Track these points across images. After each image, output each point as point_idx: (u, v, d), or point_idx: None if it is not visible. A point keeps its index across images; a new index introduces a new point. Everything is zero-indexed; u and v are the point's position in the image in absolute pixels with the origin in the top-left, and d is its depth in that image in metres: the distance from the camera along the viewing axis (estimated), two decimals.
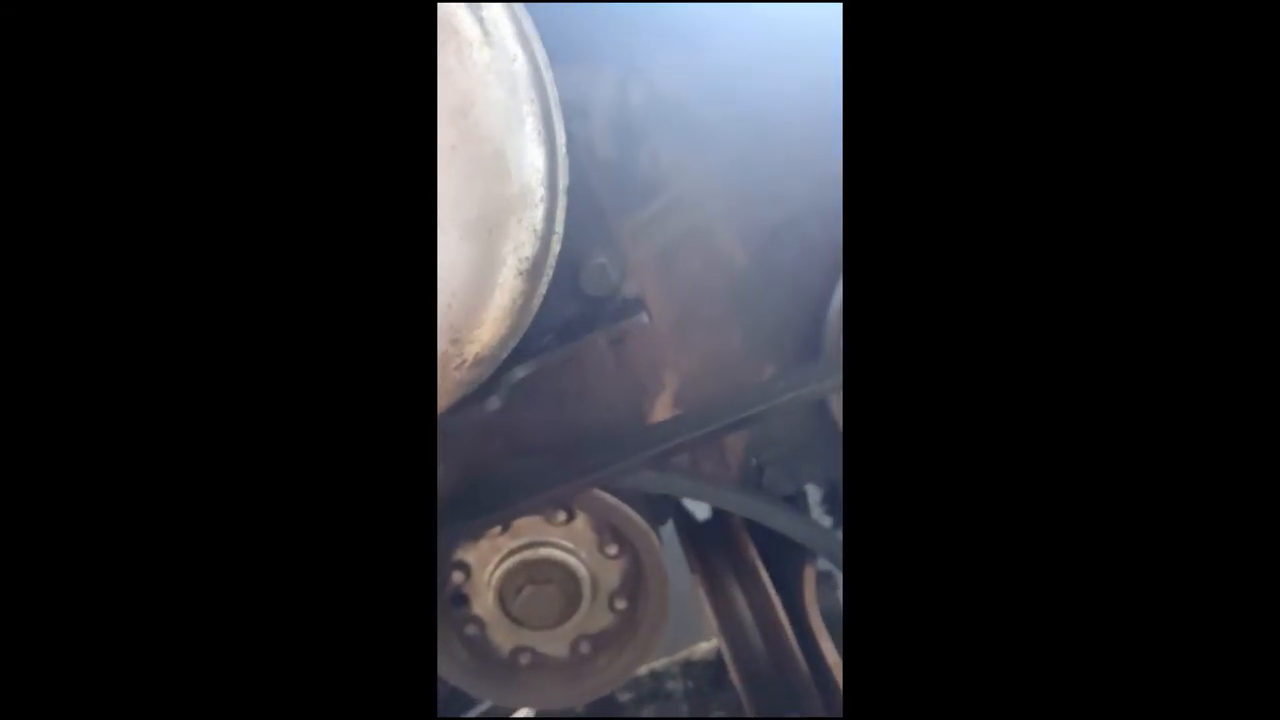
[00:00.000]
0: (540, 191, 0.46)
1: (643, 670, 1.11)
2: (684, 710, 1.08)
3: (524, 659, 0.71)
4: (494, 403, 0.58)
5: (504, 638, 0.70)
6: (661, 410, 0.70)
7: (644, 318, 0.62)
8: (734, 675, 0.77)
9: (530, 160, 0.46)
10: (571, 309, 0.62)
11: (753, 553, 0.76)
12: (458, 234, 0.45)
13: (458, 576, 0.68)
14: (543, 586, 0.67)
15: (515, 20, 0.44)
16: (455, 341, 0.48)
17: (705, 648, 1.11)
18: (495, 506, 0.63)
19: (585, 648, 0.71)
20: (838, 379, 0.60)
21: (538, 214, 0.47)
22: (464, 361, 0.49)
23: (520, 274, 0.48)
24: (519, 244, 0.47)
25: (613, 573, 0.69)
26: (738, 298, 0.67)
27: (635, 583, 0.69)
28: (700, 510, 0.94)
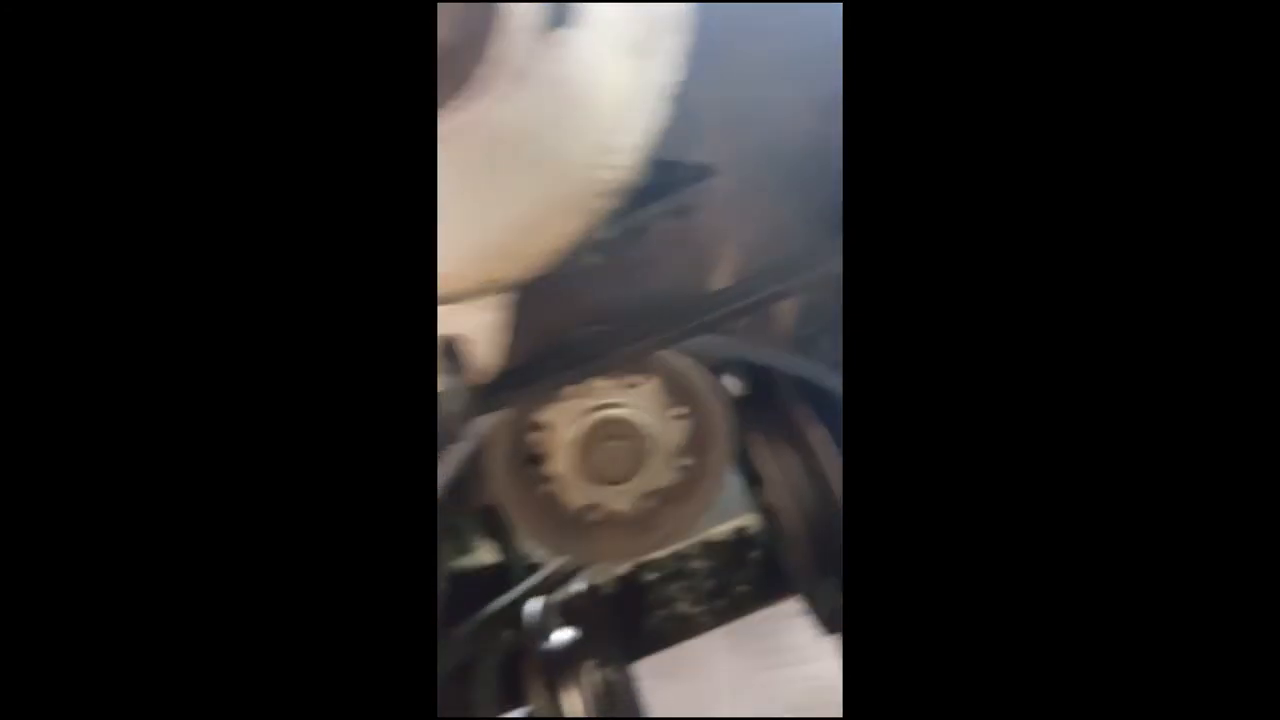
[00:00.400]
0: None
1: (664, 552, 1.18)
2: (709, 586, 1.15)
3: (593, 515, 0.75)
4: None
5: (575, 494, 0.74)
6: (720, 278, 0.73)
7: (711, 185, 0.64)
8: (788, 535, 0.81)
9: None
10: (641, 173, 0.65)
11: (802, 415, 0.80)
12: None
13: (535, 436, 0.72)
14: (616, 442, 0.71)
15: None
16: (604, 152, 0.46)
17: (723, 529, 1.17)
18: (571, 369, 0.67)
19: (650, 503, 0.75)
20: None
21: None
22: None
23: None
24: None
25: (677, 432, 0.73)
26: (797, 169, 0.69)
27: (698, 441, 0.74)
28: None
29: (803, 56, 0.67)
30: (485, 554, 1.08)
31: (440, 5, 0.38)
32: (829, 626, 0.84)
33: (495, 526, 1.01)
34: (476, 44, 0.39)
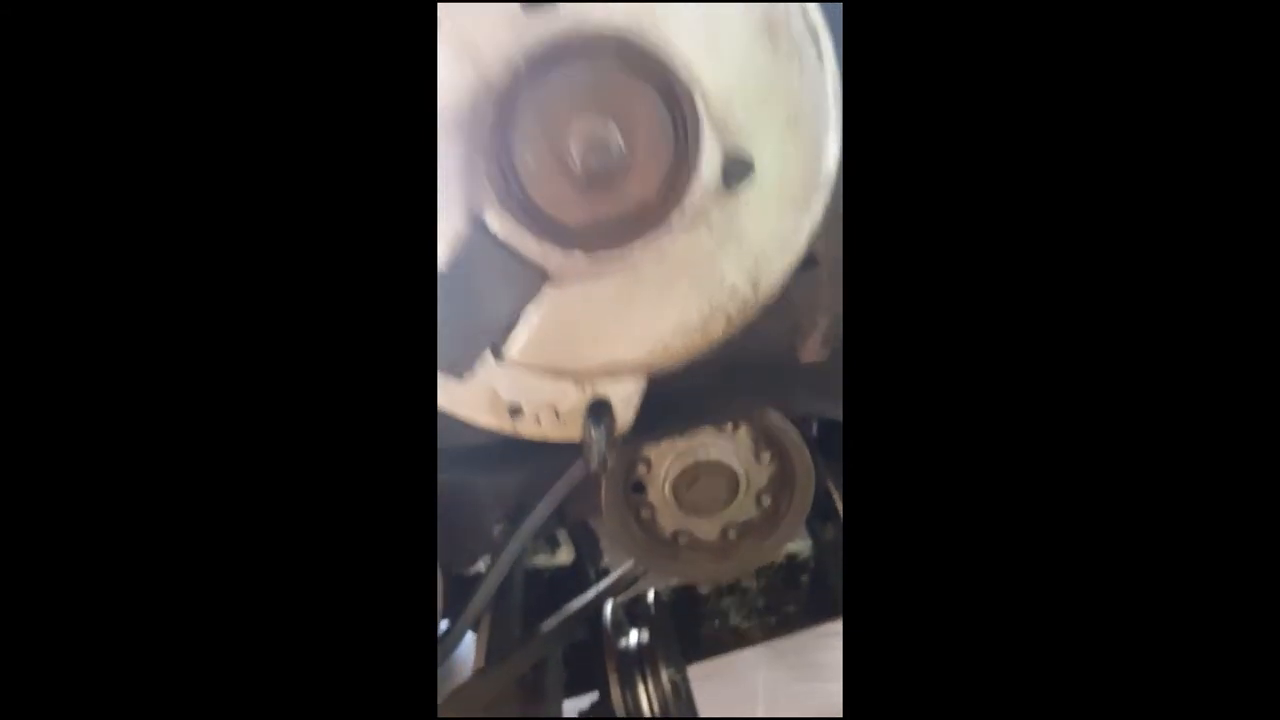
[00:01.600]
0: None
1: None
2: (760, 603, 1.26)
3: (682, 540, 0.87)
4: None
5: (668, 521, 0.86)
6: (812, 346, 0.84)
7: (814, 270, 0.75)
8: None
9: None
10: None
11: None
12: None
13: (640, 469, 0.83)
14: (709, 480, 0.82)
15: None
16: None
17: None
18: (679, 422, 0.78)
19: (732, 534, 0.87)
20: None
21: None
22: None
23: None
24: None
25: (762, 474, 0.85)
26: None
27: (780, 483, 0.85)
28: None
29: None
30: (563, 555, 1.20)
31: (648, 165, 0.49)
32: None
33: (580, 535, 1.13)
34: (675, 194, 0.50)
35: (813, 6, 0.48)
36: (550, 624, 1.00)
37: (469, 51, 0.47)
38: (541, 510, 0.80)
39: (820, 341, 0.87)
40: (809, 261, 0.77)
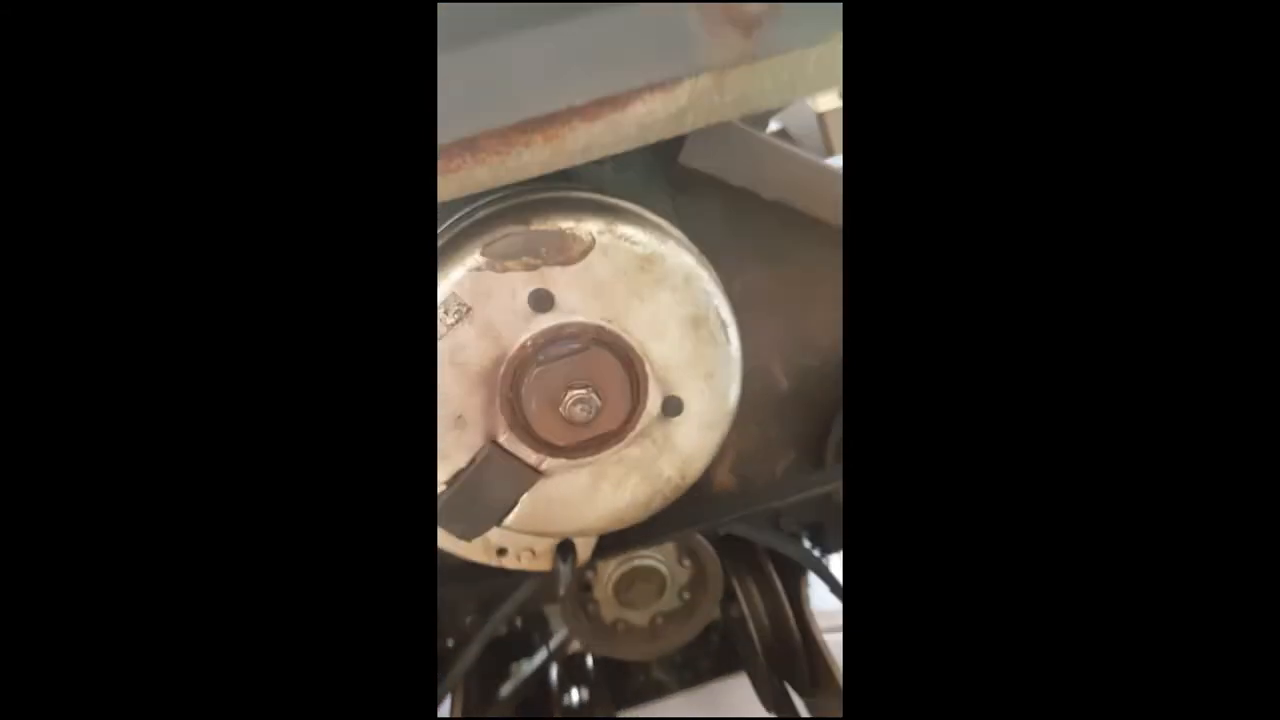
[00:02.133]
0: None
1: None
2: (678, 659, 1.49)
3: (620, 627, 1.10)
4: None
5: (610, 612, 1.09)
6: (723, 473, 1.08)
7: None
8: (746, 642, 1.17)
9: None
10: None
11: (769, 566, 1.16)
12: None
13: (589, 574, 1.06)
14: (642, 583, 1.06)
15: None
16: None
17: None
18: (623, 547, 1.01)
19: (660, 620, 1.11)
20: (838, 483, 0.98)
21: None
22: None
23: None
24: None
25: (684, 575, 1.09)
26: (778, 409, 1.04)
27: (697, 582, 1.09)
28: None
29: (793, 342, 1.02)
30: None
31: (614, 409, 0.72)
32: (772, 706, 1.19)
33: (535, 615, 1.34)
34: (630, 423, 0.73)
35: (724, 308, 0.72)
36: (508, 687, 1.21)
37: (493, 335, 0.69)
38: (508, 607, 1.02)
39: (727, 471, 1.12)
40: None
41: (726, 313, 0.72)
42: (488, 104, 0.51)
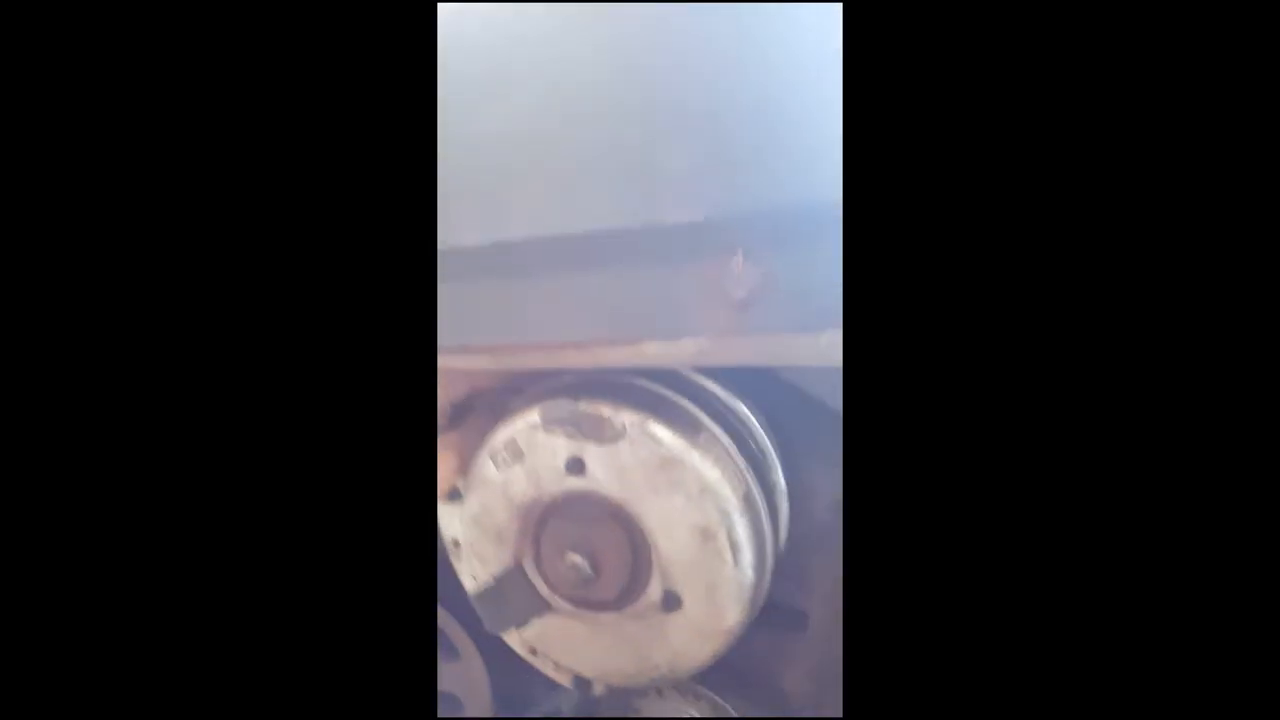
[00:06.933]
0: None
1: None
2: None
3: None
4: None
5: None
6: None
7: None
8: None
9: None
10: None
11: None
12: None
13: None
14: None
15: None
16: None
17: None
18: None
19: None
20: None
21: None
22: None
23: None
24: None
25: None
26: None
27: None
28: None
29: None
30: None
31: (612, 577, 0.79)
32: None
33: None
34: (629, 599, 0.79)
35: (741, 530, 0.75)
36: None
37: (535, 480, 0.80)
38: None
39: None
40: None
41: (743, 535, 0.75)
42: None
